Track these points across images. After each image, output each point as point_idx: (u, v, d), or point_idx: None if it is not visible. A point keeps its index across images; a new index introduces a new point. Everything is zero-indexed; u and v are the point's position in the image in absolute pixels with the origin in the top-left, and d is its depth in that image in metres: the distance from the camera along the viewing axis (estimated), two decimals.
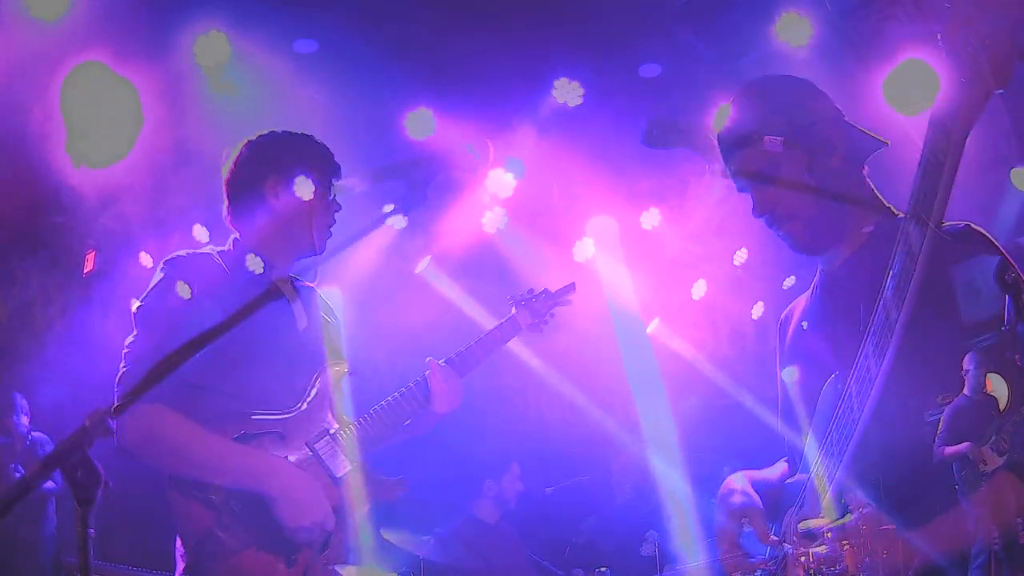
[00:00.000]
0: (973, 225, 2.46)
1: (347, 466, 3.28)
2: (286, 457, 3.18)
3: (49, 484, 6.48)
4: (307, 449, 3.24)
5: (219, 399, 3.13)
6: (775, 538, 2.58)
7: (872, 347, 2.33)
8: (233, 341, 2.97)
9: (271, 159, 3.38)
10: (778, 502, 2.68)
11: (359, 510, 3.31)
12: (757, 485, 2.74)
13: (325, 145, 3.45)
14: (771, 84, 2.76)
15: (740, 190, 2.71)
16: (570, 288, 3.92)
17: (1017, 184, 5.85)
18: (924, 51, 5.58)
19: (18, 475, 6.45)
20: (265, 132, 3.49)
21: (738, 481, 2.75)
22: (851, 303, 2.47)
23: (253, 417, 3.16)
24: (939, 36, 2.04)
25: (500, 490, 6.26)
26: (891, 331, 2.28)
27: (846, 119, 2.64)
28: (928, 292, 2.36)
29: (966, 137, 2.10)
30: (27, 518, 6.49)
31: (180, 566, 3.14)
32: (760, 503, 2.68)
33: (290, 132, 3.50)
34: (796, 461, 2.73)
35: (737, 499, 2.69)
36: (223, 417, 3.13)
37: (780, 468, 2.82)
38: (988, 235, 2.45)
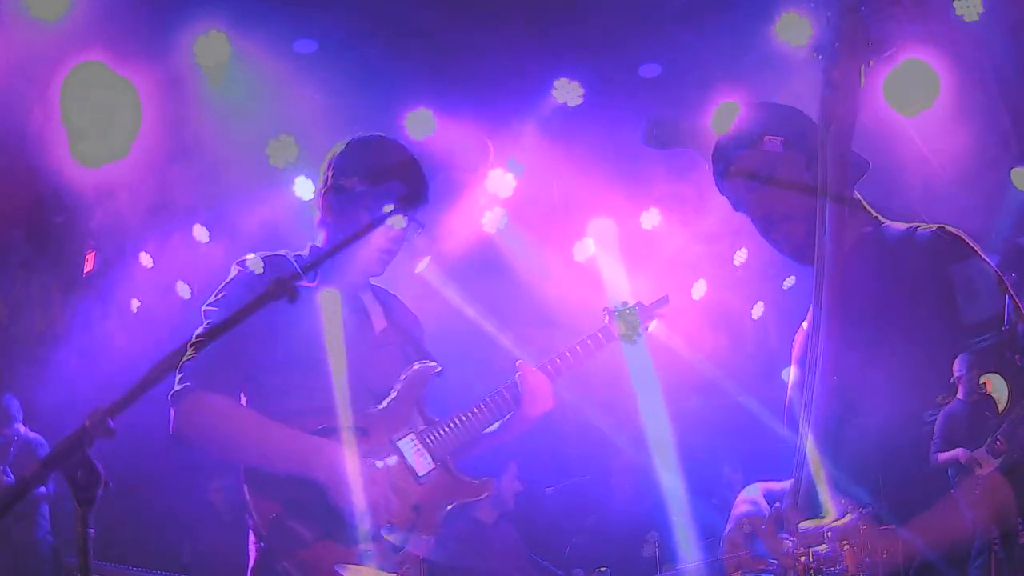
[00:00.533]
0: (946, 227, 2.47)
1: (431, 465, 3.21)
2: (368, 452, 3.11)
3: (40, 488, 6.48)
4: (390, 445, 3.18)
5: (294, 397, 3.11)
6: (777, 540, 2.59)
7: (812, 327, 2.41)
8: (302, 342, 3.06)
9: (349, 168, 3.26)
10: None
11: (442, 510, 3.23)
12: (773, 496, 2.75)
13: (411, 169, 3.29)
14: (770, 101, 2.80)
15: (736, 207, 2.70)
16: (663, 301, 3.84)
17: (1017, 184, 5.86)
18: (924, 51, 5.60)
19: (7, 479, 6.42)
20: (364, 137, 3.36)
21: (750, 491, 2.77)
22: (844, 304, 2.48)
23: (333, 413, 3.10)
24: (813, 54, 2.27)
25: (498, 490, 6.26)
26: (819, 307, 2.37)
27: None
28: (924, 292, 2.37)
29: (851, 109, 2.27)
30: (21, 519, 6.47)
31: (253, 558, 3.10)
32: (766, 510, 2.69)
33: (383, 141, 3.38)
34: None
35: (743, 508, 2.71)
36: (300, 413, 3.09)
37: None
38: (961, 234, 2.46)
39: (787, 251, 2.64)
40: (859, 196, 2.65)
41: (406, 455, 3.18)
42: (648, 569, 6.02)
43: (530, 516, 6.71)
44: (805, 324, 2.77)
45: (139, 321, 6.66)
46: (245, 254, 3.28)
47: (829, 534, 2.34)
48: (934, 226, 2.48)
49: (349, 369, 3.15)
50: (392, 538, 3.04)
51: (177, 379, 3.06)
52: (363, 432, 3.13)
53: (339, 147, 3.32)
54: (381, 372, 3.27)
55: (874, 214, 2.63)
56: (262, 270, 3.17)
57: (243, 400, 3.17)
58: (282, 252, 3.28)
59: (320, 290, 3.18)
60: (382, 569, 3.00)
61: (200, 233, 6.47)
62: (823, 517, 2.40)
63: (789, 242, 2.62)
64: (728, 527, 2.71)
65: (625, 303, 3.74)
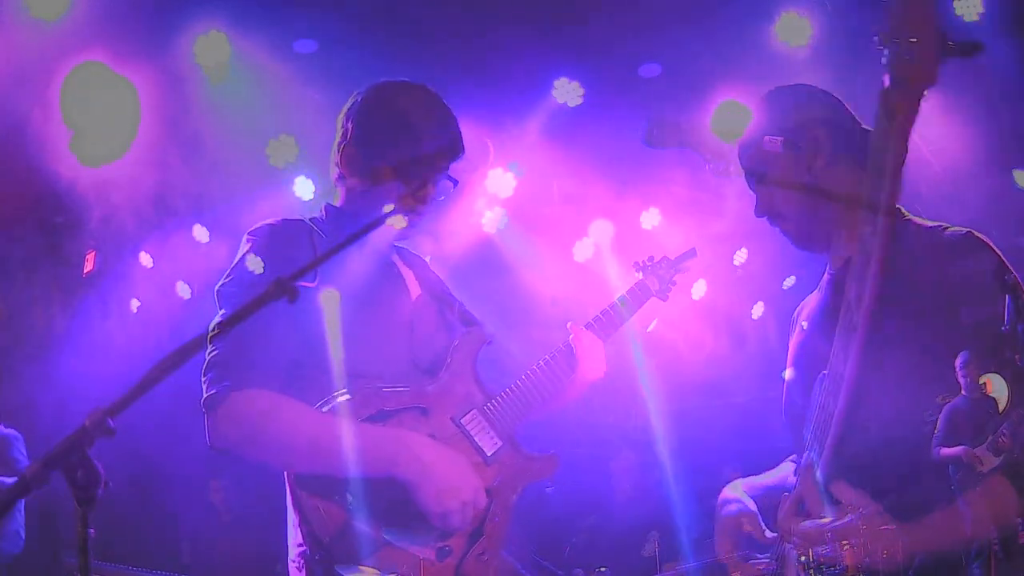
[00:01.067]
0: (975, 232, 2.47)
1: (497, 443, 2.89)
2: (431, 435, 2.78)
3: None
4: (453, 424, 2.85)
5: (330, 377, 2.75)
6: (771, 534, 2.60)
7: (840, 345, 2.35)
8: (337, 315, 2.75)
9: (351, 166, 3.02)
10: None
11: (514, 493, 2.90)
12: (755, 491, 2.75)
13: (412, 167, 2.99)
14: (780, 90, 2.77)
15: (752, 190, 2.74)
16: (691, 254, 3.59)
17: (1019, 184, 5.86)
18: None
19: None
20: (391, 84, 3.09)
21: (732, 490, 2.77)
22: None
23: (385, 391, 2.78)
24: (876, 39, 2.12)
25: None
26: (854, 330, 2.30)
27: (863, 126, 2.62)
28: (925, 293, 2.37)
29: (907, 134, 2.17)
30: None
31: (303, 568, 2.74)
32: (753, 507, 2.70)
33: (412, 89, 3.11)
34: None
35: (730, 508, 2.72)
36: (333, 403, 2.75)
37: (784, 470, 2.82)
38: (988, 241, 2.45)
39: (791, 242, 2.69)
40: None
41: (473, 436, 2.87)
42: (648, 569, 6.02)
43: (530, 516, 6.71)
44: (805, 324, 2.77)
45: (139, 321, 6.66)
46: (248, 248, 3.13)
47: (829, 534, 2.34)
48: (963, 229, 2.47)
49: (391, 342, 2.89)
50: (391, 538, 2.92)
51: (207, 380, 2.67)
52: (422, 412, 2.82)
53: (353, 100, 3.07)
54: (424, 342, 2.95)
55: (896, 206, 2.63)
56: (262, 270, 3.06)
57: None
58: (297, 217, 3.02)
59: (321, 290, 3.11)
60: (382, 570, 2.90)
61: (200, 233, 6.47)
62: (824, 517, 2.40)
63: (788, 236, 2.68)
64: (717, 529, 2.72)
65: (652, 257, 3.57)
